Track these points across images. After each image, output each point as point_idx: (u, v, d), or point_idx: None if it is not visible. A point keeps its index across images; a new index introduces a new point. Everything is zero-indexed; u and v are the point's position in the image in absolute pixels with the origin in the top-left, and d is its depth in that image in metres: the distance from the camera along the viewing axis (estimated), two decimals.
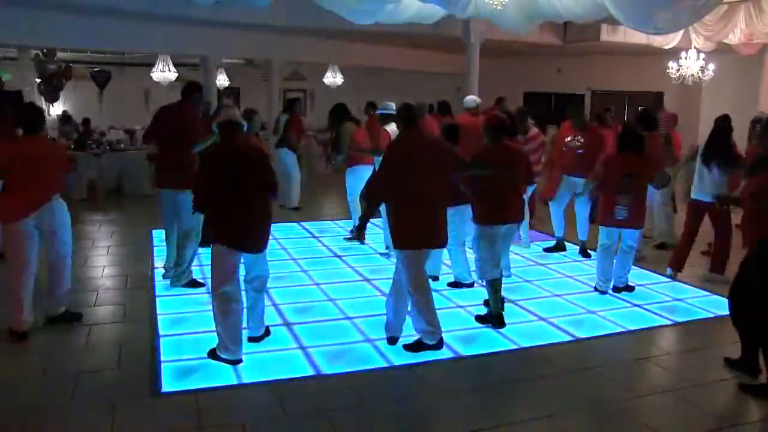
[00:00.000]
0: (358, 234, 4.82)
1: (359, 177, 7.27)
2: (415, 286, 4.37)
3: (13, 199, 4.50)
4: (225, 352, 4.22)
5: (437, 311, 4.54)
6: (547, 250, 7.38)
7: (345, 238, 7.78)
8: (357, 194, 7.40)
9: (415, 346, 4.48)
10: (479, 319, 5.12)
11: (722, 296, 5.79)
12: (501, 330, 4.92)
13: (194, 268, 5.91)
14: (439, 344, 4.47)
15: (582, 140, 6.89)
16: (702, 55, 11.81)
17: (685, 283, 6.28)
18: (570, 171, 6.95)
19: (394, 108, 6.32)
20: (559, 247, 7.36)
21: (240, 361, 4.23)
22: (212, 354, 4.30)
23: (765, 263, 4.01)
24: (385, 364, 4.30)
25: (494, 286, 5.00)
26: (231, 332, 4.21)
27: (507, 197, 5.04)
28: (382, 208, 5.01)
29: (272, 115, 12.18)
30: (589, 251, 7.09)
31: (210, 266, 4.31)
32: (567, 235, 7.42)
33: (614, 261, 5.85)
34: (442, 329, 4.55)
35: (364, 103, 10.26)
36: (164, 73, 14.85)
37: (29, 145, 4.65)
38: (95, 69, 16.23)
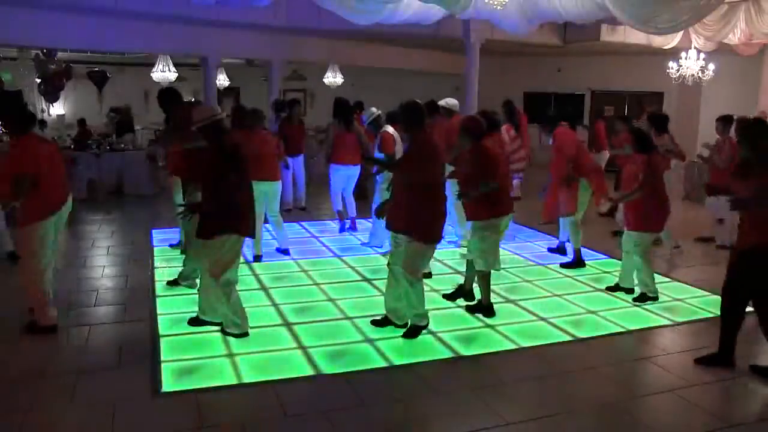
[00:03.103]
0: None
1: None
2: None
3: (39, 199, 4.56)
4: (232, 327, 4.65)
5: (438, 310, 4.59)
6: (551, 250, 7.42)
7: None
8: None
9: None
10: (469, 309, 5.34)
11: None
12: (500, 329, 4.92)
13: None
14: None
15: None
16: (702, 55, 11.81)
17: (685, 283, 6.28)
18: None
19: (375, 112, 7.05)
20: (560, 249, 7.34)
21: (247, 333, 4.66)
22: (223, 331, 4.72)
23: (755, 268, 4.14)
24: (385, 364, 4.30)
25: (489, 277, 5.24)
26: (235, 309, 4.64)
27: (502, 190, 5.29)
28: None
29: (272, 115, 12.16)
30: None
31: (219, 254, 4.50)
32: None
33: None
34: (444, 329, 4.66)
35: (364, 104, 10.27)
36: (164, 73, 14.84)
37: (46, 145, 4.84)
38: (94, 69, 16.24)
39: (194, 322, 4.85)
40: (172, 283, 5.79)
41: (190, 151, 5.42)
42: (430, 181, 4.60)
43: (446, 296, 5.62)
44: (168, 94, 6.09)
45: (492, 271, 5.30)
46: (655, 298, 5.66)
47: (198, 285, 5.13)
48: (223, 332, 4.70)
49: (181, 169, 5.86)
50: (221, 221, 4.46)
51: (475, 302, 5.40)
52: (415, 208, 4.53)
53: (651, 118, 7.77)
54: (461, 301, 5.53)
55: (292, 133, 9.51)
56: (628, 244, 5.68)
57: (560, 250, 7.32)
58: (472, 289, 5.56)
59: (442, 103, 7.35)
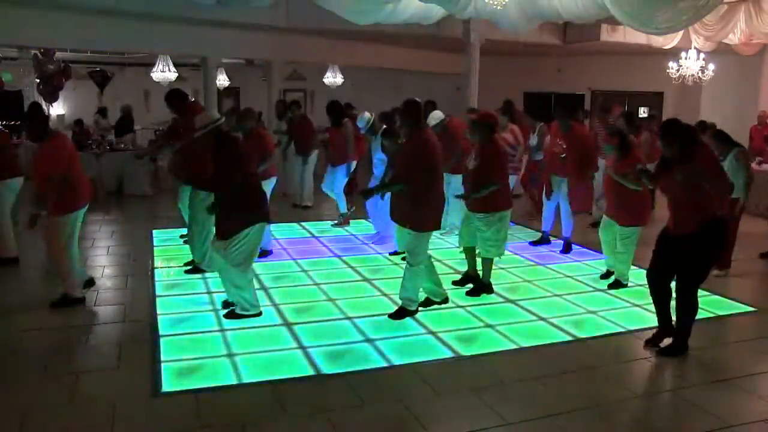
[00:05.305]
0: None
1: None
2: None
3: (73, 192, 5.11)
4: (252, 309, 4.99)
5: (438, 310, 4.72)
6: (533, 243, 7.72)
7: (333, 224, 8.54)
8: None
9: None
10: (469, 293, 5.70)
11: (722, 296, 5.82)
12: (500, 329, 4.93)
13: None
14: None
15: (564, 145, 6.97)
16: (702, 55, 11.82)
17: None
18: (555, 172, 7.20)
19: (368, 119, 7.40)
20: (544, 240, 7.71)
21: (261, 313, 5.06)
22: (232, 315, 4.99)
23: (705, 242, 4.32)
24: (385, 364, 4.30)
25: (492, 261, 5.76)
26: (253, 292, 5.06)
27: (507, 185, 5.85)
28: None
29: (272, 116, 12.17)
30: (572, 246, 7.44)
31: (243, 245, 4.78)
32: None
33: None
34: (444, 329, 4.78)
35: (363, 103, 10.30)
36: (164, 73, 14.83)
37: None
38: (96, 69, 16.24)
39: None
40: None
41: (190, 155, 5.78)
42: (429, 176, 4.86)
43: (456, 282, 5.97)
44: (174, 96, 6.36)
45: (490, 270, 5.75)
46: (626, 285, 6.03)
47: None
48: (232, 315, 4.97)
49: (182, 170, 6.02)
50: (244, 216, 4.76)
51: (474, 285, 5.78)
52: (412, 200, 4.84)
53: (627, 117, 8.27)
54: (461, 301, 5.55)
55: (293, 134, 9.68)
56: (619, 237, 5.93)
57: (545, 240, 7.69)
58: (478, 274, 5.87)
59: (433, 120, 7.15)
